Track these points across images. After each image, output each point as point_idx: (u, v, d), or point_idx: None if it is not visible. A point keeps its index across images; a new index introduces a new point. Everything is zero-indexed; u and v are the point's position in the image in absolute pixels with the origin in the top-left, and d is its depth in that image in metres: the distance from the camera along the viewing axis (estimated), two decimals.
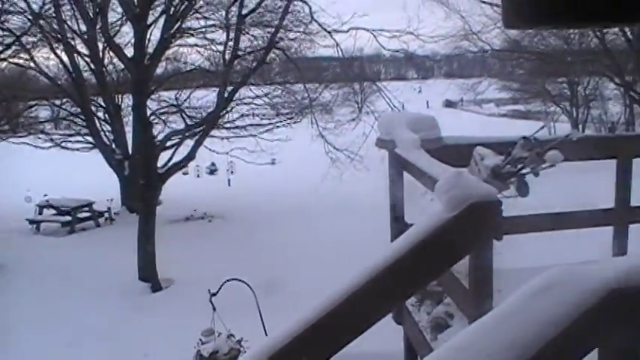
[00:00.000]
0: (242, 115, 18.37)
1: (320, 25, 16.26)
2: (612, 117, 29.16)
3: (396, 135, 4.37)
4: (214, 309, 4.02)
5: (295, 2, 16.15)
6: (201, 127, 14.34)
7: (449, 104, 54.99)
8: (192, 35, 16.58)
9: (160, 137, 14.12)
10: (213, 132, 16.85)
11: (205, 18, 16.16)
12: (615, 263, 1.86)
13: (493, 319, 1.87)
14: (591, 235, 5.51)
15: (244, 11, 14.67)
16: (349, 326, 2.89)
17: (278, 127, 18.72)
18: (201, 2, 15.56)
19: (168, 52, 16.62)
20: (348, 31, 16.65)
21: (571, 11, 0.89)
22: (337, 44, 16.82)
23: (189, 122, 15.42)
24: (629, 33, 23.02)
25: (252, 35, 16.36)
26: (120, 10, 15.60)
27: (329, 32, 16.55)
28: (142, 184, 12.68)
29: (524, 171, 3.29)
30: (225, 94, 14.76)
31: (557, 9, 0.90)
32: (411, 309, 4.51)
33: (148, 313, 10.78)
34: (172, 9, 14.25)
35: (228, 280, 4.00)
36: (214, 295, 3.96)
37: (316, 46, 17.96)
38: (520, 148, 3.26)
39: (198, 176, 20.59)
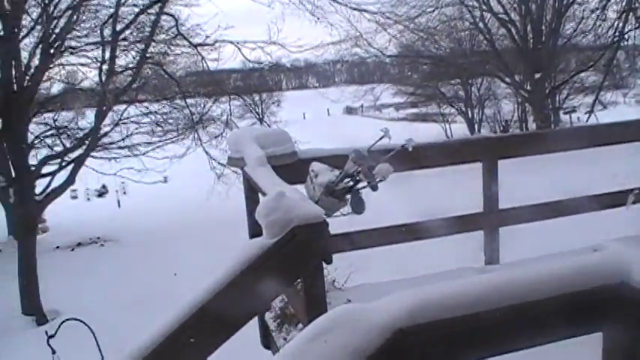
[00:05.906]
0: (131, 134, 17.57)
1: (186, 37, 16.09)
2: (506, 115, 30.03)
3: (244, 152, 4.17)
4: (53, 352, 3.69)
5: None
6: (83, 150, 13.62)
7: (349, 111, 55.23)
8: (72, 54, 15.74)
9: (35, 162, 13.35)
10: (101, 153, 16.22)
11: (85, 36, 15.42)
12: (398, 301, 1.68)
13: None
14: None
15: (119, 27, 14.06)
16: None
17: (168, 144, 18.12)
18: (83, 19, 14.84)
19: (53, 72, 15.65)
20: (213, 44, 16.68)
21: None
22: (203, 58, 16.93)
23: (68, 145, 14.57)
24: (515, 35, 23.84)
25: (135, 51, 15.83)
26: None
27: (195, 46, 16.54)
28: (19, 212, 12.08)
29: (358, 186, 3.13)
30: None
31: None
32: (273, 334, 4.32)
33: (32, 347, 10.13)
34: (49, 28, 13.36)
35: (65, 321, 3.67)
36: (52, 337, 3.62)
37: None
38: (352, 163, 3.10)
39: (88, 199, 19.83)
